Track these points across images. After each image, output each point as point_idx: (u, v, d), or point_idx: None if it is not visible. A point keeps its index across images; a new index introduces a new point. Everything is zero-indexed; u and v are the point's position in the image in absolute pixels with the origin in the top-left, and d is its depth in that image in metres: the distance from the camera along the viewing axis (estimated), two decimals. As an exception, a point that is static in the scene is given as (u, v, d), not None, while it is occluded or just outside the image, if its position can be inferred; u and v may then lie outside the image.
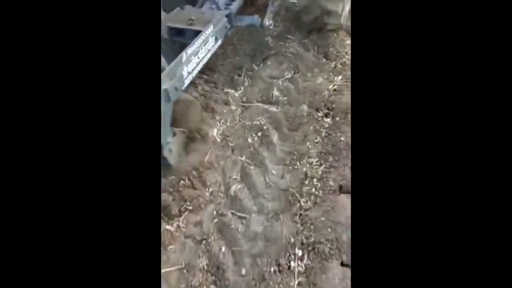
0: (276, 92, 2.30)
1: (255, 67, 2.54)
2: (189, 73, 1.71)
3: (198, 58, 1.78)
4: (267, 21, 2.33)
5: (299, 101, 2.27)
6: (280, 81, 2.40)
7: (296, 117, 2.17)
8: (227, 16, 2.10)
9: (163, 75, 1.51)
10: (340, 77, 2.44)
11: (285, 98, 2.29)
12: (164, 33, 1.93)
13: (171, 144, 1.63)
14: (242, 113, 2.23)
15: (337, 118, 2.15)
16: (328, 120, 2.17)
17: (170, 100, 1.53)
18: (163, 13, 1.92)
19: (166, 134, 1.58)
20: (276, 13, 2.62)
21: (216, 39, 1.96)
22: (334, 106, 2.22)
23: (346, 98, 2.23)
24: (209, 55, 1.92)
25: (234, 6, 2.24)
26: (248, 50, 2.67)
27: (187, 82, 1.70)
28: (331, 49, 2.64)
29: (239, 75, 2.48)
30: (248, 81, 2.44)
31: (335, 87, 2.37)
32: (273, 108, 2.23)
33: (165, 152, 1.60)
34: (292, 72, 2.48)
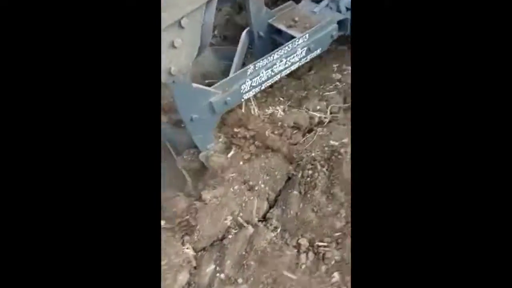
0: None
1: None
2: (254, 86, 1.57)
3: (272, 71, 1.59)
4: None
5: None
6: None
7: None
8: (339, 22, 1.71)
9: (214, 86, 1.46)
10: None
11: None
12: (261, 31, 1.79)
13: (210, 151, 1.63)
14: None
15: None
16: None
17: (215, 113, 1.49)
18: (266, 9, 1.76)
19: (206, 141, 1.59)
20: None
21: (309, 50, 1.66)
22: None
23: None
24: (294, 67, 1.68)
25: (360, 9, 1.78)
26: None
27: (248, 95, 1.58)
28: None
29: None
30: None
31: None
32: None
33: (201, 157, 1.63)
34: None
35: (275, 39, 1.84)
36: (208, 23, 1.25)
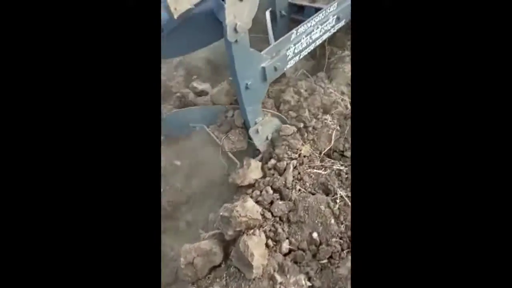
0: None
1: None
2: (295, 54, 1.57)
3: (311, 38, 1.61)
4: None
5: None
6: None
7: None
8: (359, -7, 1.82)
9: (264, 52, 1.43)
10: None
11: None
12: (282, 10, 1.83)
13: (259, 125, 1.57)
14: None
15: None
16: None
17: (266, 80, 1.45)
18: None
19: (255, 114, 1.53)
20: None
21: (339, 19, 1.72)
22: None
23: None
24: (325, 36, 1.72)
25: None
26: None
27: (291, 63, 1.58)
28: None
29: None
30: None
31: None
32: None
33: (251, 132, 1.55)
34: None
35: (296, 18, 1.89)
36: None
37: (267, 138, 1.63)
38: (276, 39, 1.86)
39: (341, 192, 1.25)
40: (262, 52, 1.42)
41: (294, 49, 1.55)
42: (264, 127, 1.60)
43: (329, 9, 1.65)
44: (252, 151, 1.64)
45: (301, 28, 1.54)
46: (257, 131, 1.57)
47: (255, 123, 1.56)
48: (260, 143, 1.61)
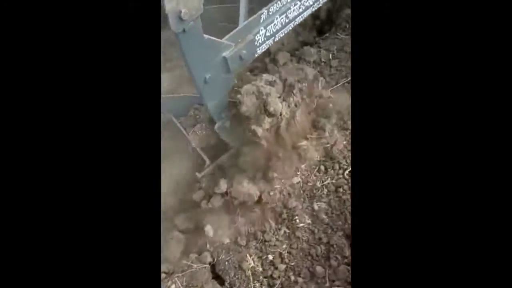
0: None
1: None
2: (268, 37, 1.35)
3: (287, 17, 1.38)
4: None
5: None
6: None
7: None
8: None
9: (226, 38, 1.22)
10: None
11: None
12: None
13: (226, 120, 1.41)
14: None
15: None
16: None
17: (230, 72, 1.27)
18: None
19: (220, 108, 1.37)
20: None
21: (324, -9, 1.46)
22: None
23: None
24: (307, 13, 1.47)
25: None
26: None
27: (262, 48, 1.36)
28: None
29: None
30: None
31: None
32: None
33: (217, 129, 1.41)
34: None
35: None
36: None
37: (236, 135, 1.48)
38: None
39: None
40: (224, 39, 1.22)
41: (266, 32, 1.33)
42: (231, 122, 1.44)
43: (312, -20, 1.38)
44: (225, 146, 1.51)
45: (274, 7, 1.30)
46: (225, 127, 1.42)
47: (222, 118, 1.40)
48: (232, 138, 1.47)
